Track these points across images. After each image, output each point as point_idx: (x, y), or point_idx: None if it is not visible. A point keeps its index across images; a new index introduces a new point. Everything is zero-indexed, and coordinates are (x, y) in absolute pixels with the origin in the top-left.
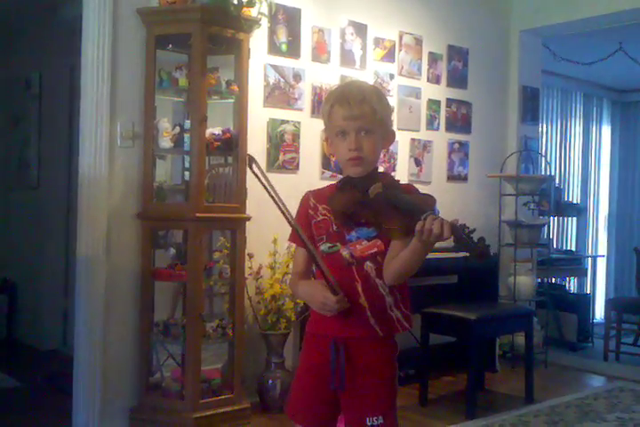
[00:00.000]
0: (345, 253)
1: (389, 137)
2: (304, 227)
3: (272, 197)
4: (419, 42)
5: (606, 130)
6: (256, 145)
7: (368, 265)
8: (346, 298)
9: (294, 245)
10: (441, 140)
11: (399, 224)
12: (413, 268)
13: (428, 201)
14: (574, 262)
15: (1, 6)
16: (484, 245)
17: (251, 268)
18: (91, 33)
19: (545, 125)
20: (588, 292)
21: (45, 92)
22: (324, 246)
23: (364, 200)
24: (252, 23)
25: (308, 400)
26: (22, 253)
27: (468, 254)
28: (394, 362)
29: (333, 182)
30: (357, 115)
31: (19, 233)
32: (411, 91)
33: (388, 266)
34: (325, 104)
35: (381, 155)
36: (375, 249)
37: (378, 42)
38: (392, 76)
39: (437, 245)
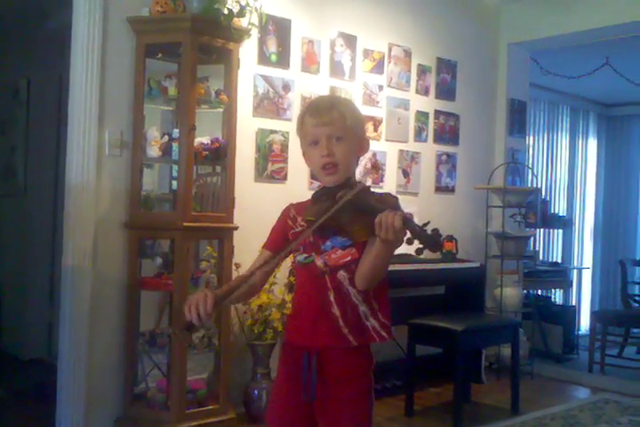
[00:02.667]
0: (319, 262)
1: (363, 145)
2: (278, 236)
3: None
4: (408, 54)
5: (592, 143)
6: (245, 155)
7: (341, 274)
8: (197, 311)
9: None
10: (429, 151)
11: (362, 224)
12: (380, 268)
13: (389, 201)
14: (560, 274)
15: None
16: (437, 235)
17: None
18: (80, 41)
19: (532, 138)
20: (574, 304)
21: (33, 99)
22: (300, 257)
23: (334, 208)
24: (243, 33)
25: (284, 410)
26: (7, 261)
27: (422, 246)
28: (369, 373)
29: None
30: (327, 121)
31: (4, 241)
32: (399, 102)
33: (358, 269)
34: (299, 118)
35: (369, 165)
36: (349, 257)
37: (367, 53)
38: (381, 88)
39: (424, 256)
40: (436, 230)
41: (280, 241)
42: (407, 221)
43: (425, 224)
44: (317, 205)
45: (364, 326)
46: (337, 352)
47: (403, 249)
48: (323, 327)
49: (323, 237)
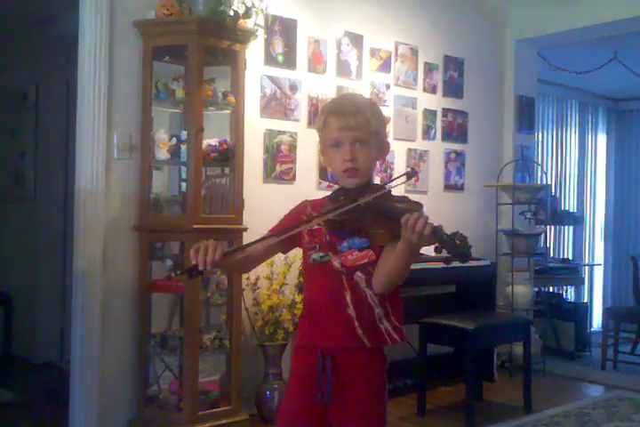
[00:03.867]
0: (336, 262)
1: (384, 148)
2: (288, 225)
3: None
4: (414, 52)
5: (602, 138)
6: (253, 156)
7: (358, 275)
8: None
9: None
10: (437, 149)
11: (384, 228)
12: (401, 273)
13: (414, 206)
14: (571, 271)
15: None
16: (465, 245)
17: (248, 279)
18: (87, 45)
19: (541, 134)
20: (586, 301)
21: (42, 104)
22: (315, 255)
23: (354, 209)
24: (249, 34)
25: (297, 411)
26: (19, 265)
27: (449, 255)
28: (383, 374)
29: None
30: (352, 125)
31: (15, 246)
32: (407, 101)
33: (376, 272)
34: (320, 116)
35: (377, 165)
36: (366, 259)
37: (374, 52)
38: (388, 87)
39: (434, 255)
40: (465, 241)
41: (283, 227)
42: (436, 230)
43: (454, 233)
44: (334, 205)
45: (378, 329)
46: (351, 353)
47: None
48: (337, 328)
49: (339, 238)
